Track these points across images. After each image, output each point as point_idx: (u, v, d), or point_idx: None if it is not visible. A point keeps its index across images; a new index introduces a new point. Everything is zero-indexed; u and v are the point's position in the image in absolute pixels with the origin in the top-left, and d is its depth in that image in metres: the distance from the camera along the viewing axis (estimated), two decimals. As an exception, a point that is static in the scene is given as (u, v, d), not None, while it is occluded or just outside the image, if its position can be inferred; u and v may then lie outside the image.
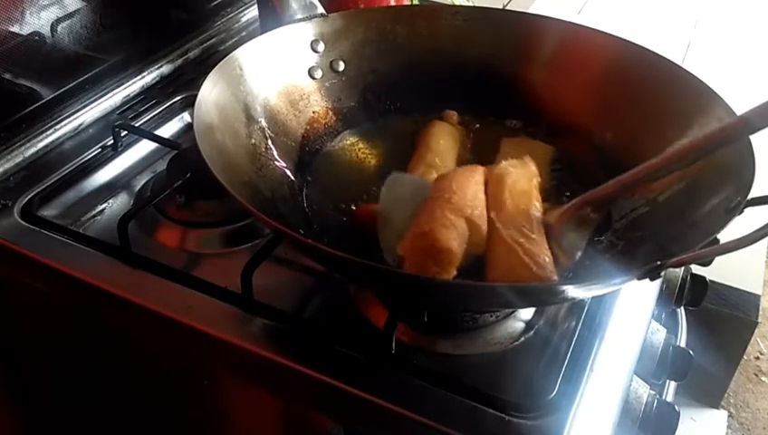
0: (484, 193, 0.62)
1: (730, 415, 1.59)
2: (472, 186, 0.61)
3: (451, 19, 0.82)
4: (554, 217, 0.60)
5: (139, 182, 0.80)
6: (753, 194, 0.56)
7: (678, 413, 0.66)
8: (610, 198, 0.59)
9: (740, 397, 1.64)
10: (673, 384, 0.80)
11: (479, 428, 0.55)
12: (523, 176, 0.63)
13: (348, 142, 0.78)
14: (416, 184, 0.66)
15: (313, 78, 0.78)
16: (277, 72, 0.74)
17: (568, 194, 0.70)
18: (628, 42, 0.74)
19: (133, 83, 0.89)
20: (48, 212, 0.74)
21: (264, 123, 0.71)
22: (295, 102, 0.76)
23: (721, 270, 1.36)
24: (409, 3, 1.00)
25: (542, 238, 0.59)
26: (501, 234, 0.58)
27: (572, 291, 0.56)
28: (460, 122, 0.79)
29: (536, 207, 0.61)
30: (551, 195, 0.70)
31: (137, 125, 0.84)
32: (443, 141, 0.75)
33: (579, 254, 0.60)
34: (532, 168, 0.64)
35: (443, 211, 0.58)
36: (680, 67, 0.71)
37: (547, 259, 0.57)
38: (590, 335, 0.63)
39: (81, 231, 0.72)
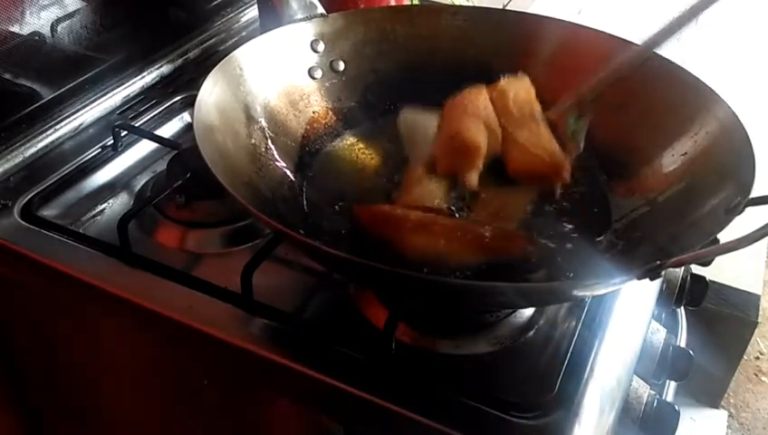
0: (491, 105, 0.69)
1: (730, 415, 1.59)
2: (481, 98, 0.69)
3: (451, 19, 0.82)
4: (555, 114, 0.68)
5: (139, 182, 0.80)
6: (753, 194, 0.56)
7: (678, 413, 0.66)
8: (594, 93, 0.67)
9: (740, 397, 1.64)
10: (673, 384, 0.80)
11: (479, 428, 0.55)
12: (521, 88, 0.70)
13: (348, 142, 0.78)
14: (427, 115, 0.71)
15: (313, 78, 0.78)
16: (277, 72, 0.74)
17: (567, 192, 0.70)
18: (628, 42, 0.74)
19: (133, 83, 0.89)
20: (48, 212, 0.74)
21: (264, 123, 0.71)
22: (295, 102, 0.76)
23: (721, 270, 1.36)
24: (409, 3, 1.00)
25: (548, 133, 0.66)
26: (514, 136, 0.66)
27: (572, 291, 0.56)
28: None
29: (538, 111, 0.68)
30: (549, 196, 0.70)
31: (137, 125, 0.84)
32: None
33: (582, 144, 0.68)
34: (527, 81, 0.71)
35: (462, 118, 0.67)
36: (680, 67, 0.70)
37: (556, 148, 0.65)
38: (590, 335, 0.63)
39: (81, 231, 0.72)
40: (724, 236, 0.52)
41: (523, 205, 0.69)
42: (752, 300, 1.37)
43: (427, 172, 0.71)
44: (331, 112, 0.78)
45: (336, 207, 0.70)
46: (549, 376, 0.59)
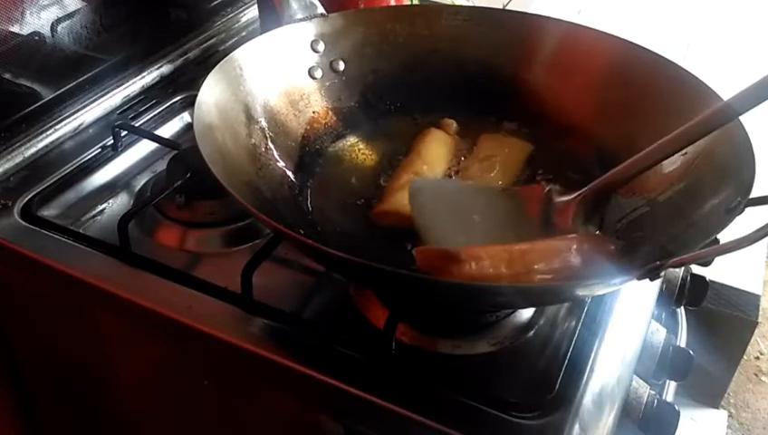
0: None
1: (730, 415, 1.59)
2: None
3: (451, 19, 0.82)
4: (561, 207, 0.64)
5: (139, 182, 0.80)
6: (753, 194, 0.56)
7: (678, 413, 0.66)
8: (609, 189, 0.63)
9: (740, 397, 1.64)
10: (673, 384, 0.80)
11: (479, 428, 0.55)
12: None
13: (348, 142, 0.78)
14: (441, 188, 0.69)
15: (313, 78, 0.78)
16: (277, 72, 0.74)
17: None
18: (628, 42, 0.74)
19: (133, 83, 0.89)
20: (48, 212, 0.74)
21: (264, 123, 0.71)
22: (295, 102, 0.76)
23: (721, 270, 1.36)
24: (409, 3, 1.00)
25: None
26: None
27: (572, 291, 0.56)
28: (457, 132, 0.79)
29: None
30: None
31: (137, 125, 0.84)
32: (434, 150, 0.75)
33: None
34: None
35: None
36: (680, 67, 0.70)
37: None
38: (590, 335, 0.63)
39: (81, 231, 0.72)
40: (725, 236, 0.52)
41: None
42: (752, 300, 1.36)
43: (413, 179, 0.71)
44: (331, 112, 0.78)
45: (336, 207, 0.70)
46: (549, 376, 0.59)
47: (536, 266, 0.58)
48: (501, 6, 1.08)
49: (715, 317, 1.34)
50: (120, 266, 0.68)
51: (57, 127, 0.81)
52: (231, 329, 0.62)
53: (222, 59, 0.70)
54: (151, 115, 0.87)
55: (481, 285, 0.56)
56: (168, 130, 0.87)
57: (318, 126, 0.77)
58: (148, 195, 0.77)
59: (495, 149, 0.75)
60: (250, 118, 0.70)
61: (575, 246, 0.59)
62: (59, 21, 0.83)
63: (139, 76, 0.90)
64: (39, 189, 0.75)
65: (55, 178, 0.77)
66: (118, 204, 0.77)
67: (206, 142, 0.60)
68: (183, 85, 0.92)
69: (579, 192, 0.64)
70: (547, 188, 0.67)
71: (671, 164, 0.66)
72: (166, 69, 0.93)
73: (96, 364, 0.76)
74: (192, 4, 1.00)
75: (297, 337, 0.62)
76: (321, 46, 0.78)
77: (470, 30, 0.81)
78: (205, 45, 0.99)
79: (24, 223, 0.71)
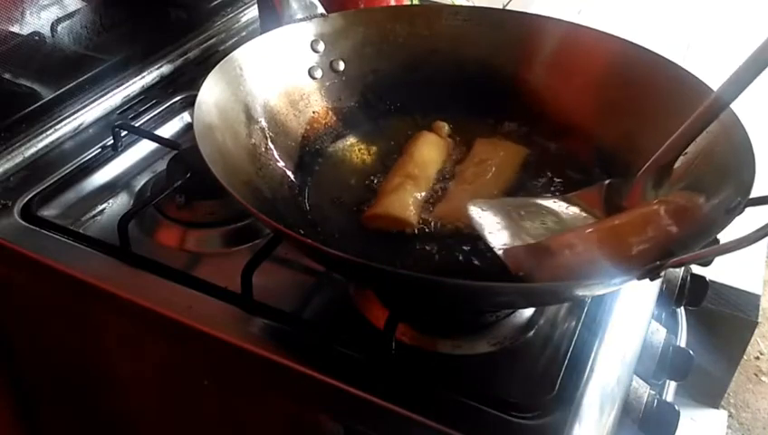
0: None
1: (730, 415, 1.59)
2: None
3: (451, 19, 0.82)
4: (629, 188, 0.65)
5: (139, 182, 0.80)
6: (753, 194, 0.56)
7: (678, 413, 0.66)
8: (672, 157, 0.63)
9: (740, 397, 1.64)
10: (673, 384, 0.80)
11: (479, 428, 0.55)
12: None
13: (348, 142, 0.78)
14: (499, 204, 0.68)
15: (313, 78, 0.78)
16: (277, 72, 0.74)
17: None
18: (628, 42, 0.74)
19: (133, 83, 0.89)
20: (48, 212, 0.74)
21: (264, 123, 0.71)
22: (295, 102, 0.76)
23: (721, 270, 1.36)
24: (409, 3, 1.00)
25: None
26: None
27: (572, 291, 0.56)
28: (450, 135, 0.79)
29: None
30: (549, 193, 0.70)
31: (137, 125, 0.84)
32: (426, 153, 0.75)
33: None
34: None
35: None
36: (680, 67, 0.71)
37: None
38: (590, 335, 0.63)
39: (81, 231, 0.72)
40: (725, 236, 0.52)
41: None
42: (752, 300, 1.36)
43: (404, 183, 0.71)
44: (331, 112, 0.78)
45: (336, 207, 0.70)
46: (549, 376, 0.59)
47: (630, 239, 0.56)
48: (501, 6, 1.08)
49: (715, 317, 1.34)
50: (120, 266, 0.68)
51: (57, 127, 0.81)
52: (231, 329, 0.62)
53: (222, 59, 0.70)
54: (151, 115, 0.87)
55: (481, 284, 0.56)
56: (168, 130, 0.87)
57: (318, 126, 0.77)
58: (148, 195, 0.77)
59: (490, 153, 0.75)
60: (250, 118, 0.70)
61: (663, 209, 0.58)
62: (59, 21, 0.83)
63: (139, 76, 0.90)
64: (39, 189, 0.75)
65: (55, 178, 0.77)
66: (118, 204, 0.77)
67: (206, 142, 0.60)
68: (183, 85, 0.92)
69: (645, 166, 0.64)
70: (607, 181, 0.67)
71: (671, 164, 0.66)
72: (166, 69, 0.93)
73: (96, 364, 0.76)
74: (192, 4, 1.00)
75: (297, 337, 0.62)
76: (321, 46, 0.78)
77: (470, 30, 0.81)
78: (205, 45, 0.99)
79: (24, 223, 0.71)
